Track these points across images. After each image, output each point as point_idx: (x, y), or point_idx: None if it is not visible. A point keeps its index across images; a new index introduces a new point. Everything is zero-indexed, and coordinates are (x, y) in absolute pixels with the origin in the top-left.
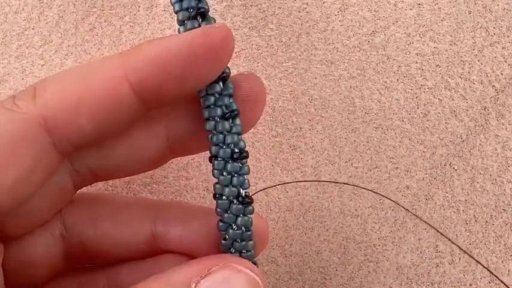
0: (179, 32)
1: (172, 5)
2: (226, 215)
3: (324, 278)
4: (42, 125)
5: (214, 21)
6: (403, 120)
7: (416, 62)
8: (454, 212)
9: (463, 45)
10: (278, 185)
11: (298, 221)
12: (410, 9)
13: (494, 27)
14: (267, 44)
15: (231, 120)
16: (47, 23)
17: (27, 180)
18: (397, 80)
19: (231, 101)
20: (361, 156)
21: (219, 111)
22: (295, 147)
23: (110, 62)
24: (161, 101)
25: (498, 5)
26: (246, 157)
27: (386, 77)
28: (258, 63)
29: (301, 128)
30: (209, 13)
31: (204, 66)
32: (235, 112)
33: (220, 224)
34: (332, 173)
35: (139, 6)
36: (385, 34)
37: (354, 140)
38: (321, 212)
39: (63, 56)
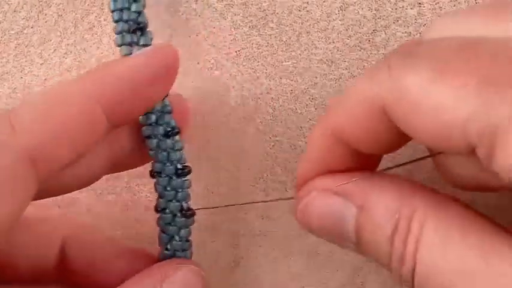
0: (117, 42)
1: (112, 12)
2: (170, 227)
3: (324, 278)
4: (27, 160)
5: (151, 36)
6: None
7: None
8: None
9: None
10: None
11: None
12: (411, 8)
13: None
14: (267, 43)
15: (172, 138)
16: (46, 22)
17: (15, 215)
18: None
19: (170, 118)
20: None
21: (161, 129)
22: (296, 146)
23: (81, 85)
24: (124, 120)
25: None
26: (189, 172)
27: None
28: (258, 62)
29: (301, 128)
30: (208, 12)
31: (162, 85)
32: (176, 130)
33: (163, 235)
34: None
35: None
36: (385, 33)
37: None
38: None
39: (62, 55)
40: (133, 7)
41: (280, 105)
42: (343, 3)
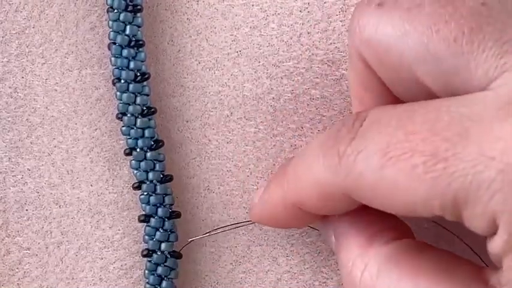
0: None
1: None
2: (160, 268)
3: (324, 278)
4: None
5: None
6: None
7: None
8: None
9: None
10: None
11: None
12: None
13: None
14: (268, 43)
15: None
16: (47, 22)
17: None
18: None
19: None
20: None
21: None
22: (296, 146)
23: None
24: None
25: None
26: (178, 216)
27: None
28: (259, 62)
29: (302, 128)
30: (209, 12)
31: None
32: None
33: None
34: None
35: None
36: None
37: None
38: None
39: (64, 55)
40: None
41: (281, 105)
42: (344, 5)
